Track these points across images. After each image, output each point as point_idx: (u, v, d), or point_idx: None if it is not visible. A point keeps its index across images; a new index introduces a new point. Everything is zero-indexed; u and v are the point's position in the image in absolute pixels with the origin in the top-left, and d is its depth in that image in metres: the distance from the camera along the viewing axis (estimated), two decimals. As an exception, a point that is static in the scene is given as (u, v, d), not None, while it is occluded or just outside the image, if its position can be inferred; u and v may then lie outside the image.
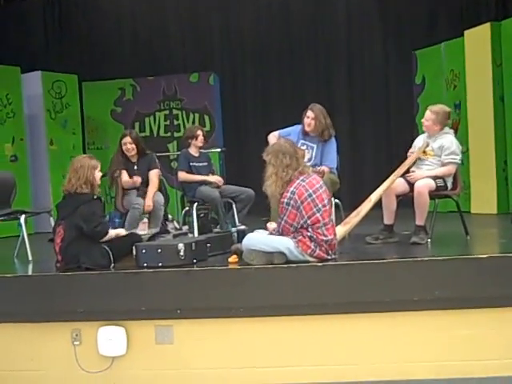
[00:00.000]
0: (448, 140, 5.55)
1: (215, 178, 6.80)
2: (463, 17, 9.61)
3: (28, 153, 9.46)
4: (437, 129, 5.60)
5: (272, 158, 4.73)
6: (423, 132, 5.89)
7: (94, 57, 10.88)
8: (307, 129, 6.14)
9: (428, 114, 5.65)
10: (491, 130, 8.20)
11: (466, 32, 8.52)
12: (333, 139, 6.25)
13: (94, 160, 5.13)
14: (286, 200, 4.61)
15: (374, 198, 5.45)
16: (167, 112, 10.42)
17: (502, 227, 6.94)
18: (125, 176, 6.31)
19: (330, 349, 4.56)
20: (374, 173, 9.38)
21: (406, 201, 5.59)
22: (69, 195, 5.02)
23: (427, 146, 5.60)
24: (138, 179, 6.30)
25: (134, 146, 6.40)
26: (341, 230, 5.28)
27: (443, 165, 5.50)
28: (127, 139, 6.40)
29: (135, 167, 6.42)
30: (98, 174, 5.08)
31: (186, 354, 4.71)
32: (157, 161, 6.58)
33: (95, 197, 5.00)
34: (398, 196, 5.55)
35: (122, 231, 5.28)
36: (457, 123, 8.80)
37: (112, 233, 5.07)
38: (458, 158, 5.51)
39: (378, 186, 5.53)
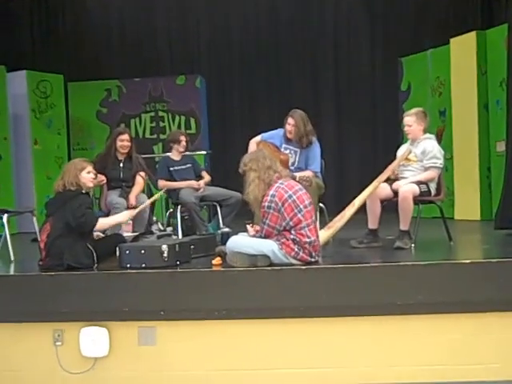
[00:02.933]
0: (430, 145, 5.59)
1: (189, 183, 6.76)
2: (449, 24, 9.67)
3: (12, 152, 9.37)
4: (421, 128, 5.64)
5: (253, 164, 4.77)
6: (407, 140, 5.93)
7: (81, 57, 10.82)
8: (288, 136, 6.18)
9: (407, 119, 5.70)
10: (475, 137, 8.26)
11: (452, 40, 8.59)
12: (316, 143, 6.27)
13: (84, 162, 5.17)
14: (266, 204, 4.63)
15: (357, 202, 5.47)
16: (153, 114, 10.38)
17: (485, 233, 6.99)
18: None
19: (312, 352, 4.56)
20: (359, 178, 9.40)
21: (390, 206, 5.62)
22: (58, 193, 5.05)
23: (410, 152, 5.64)
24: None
25: (130, 144, 6.44)
26: (324, 234, 5.30)
27: (425, 169, 5.55)
28: (126, 136, 6.47)
29: (121, 165, 6.41)
30: (87, 176, 5.08)
31: (168, 355, 4.69)
32: (143, 164, 6.57)
33: (83, 191, 5.03)
34: (382, 201, 5.57)
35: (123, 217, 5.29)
36: (441, 130, 8.87)
37: (116, 218, 5.27)
38: (439, 162, 5.54)
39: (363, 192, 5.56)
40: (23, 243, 6.88)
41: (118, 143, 6.42)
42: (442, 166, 5.59)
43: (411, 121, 5.65)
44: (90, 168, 5.13)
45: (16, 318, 4.76)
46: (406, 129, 5.72)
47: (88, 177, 5.10)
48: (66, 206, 4.91)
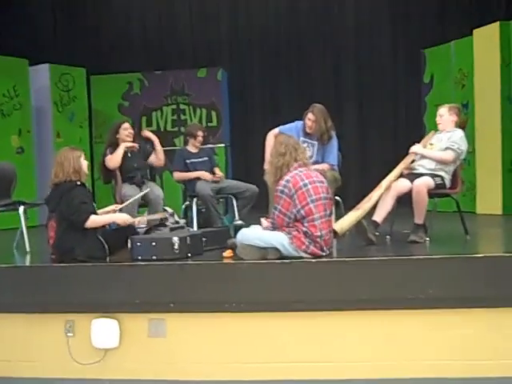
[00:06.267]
0: (457, 132, 5.64)
1: (203, 174, 6.77)
2: (473, 15, 9.52)
3: (35, 145, 9.49)
4: (453, 120, 5.72)
5: (272, 149, 4.85)
6: (429, 131, 5.93)
7: (103, 50, 10.88)
8: (308, 130, 6.16)
9: (439, 110, 5.79)
10: (498, 130, 8.12)
11: (475, 31, 8.44)
12: (334, 137, 6.23)
13: (78, 150, 5.10)
14: (280, 188, 4.62)
15: (384, 184, 5.46)
16: (174, 107, 10.42)
17: (506, 228, 6.88)
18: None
19: (322, 345, 4.54)
20: (380, 171, 9.25)
21: (406, 200, 5.54)
22: (55, 186, 4.99)
23: (434, 133, 5.79)
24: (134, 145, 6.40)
25: (133, 131, 6.52)
26: (353, 216, 5.25)
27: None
28: (127, 124, 6.50)
29: (129, 155, 6.45)
30: (84, 162, 5.05)
31: (178, 347, 4.70)
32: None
33: (78, 183, 4.95)
34: (399, 198, 5.48)
35: (126, 218, 5.09)
36: (464, 123, 8.71)
37: (112, 217, 5.08)
38: (456, 146, 5.50)
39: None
40: (43, 235, 6.91)
41: (123, 132, 6.41)
42: (459, 151, 5.51)
43: (443, 111, 5.76)
44: (83, 155, 5.09)
45: (29, 309, 4.82)
46: (437, 119, 5.78)
47: (86, 163, 5.06)
48: (61, 200, 4.86)
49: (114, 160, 6.30)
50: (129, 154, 6.42)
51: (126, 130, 6.44)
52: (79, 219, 4.84)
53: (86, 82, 10.24)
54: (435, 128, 5.90)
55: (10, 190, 6.25)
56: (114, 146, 6.42)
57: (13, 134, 9.08)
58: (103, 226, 5.06)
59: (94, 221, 4.89)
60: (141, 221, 5.81)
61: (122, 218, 5.07)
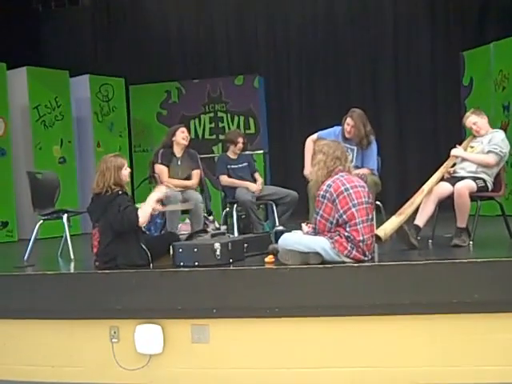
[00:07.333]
0: (498, 134, 5.56)
1: (252, 186, 6.81)
2: (512, 17, 9.41)
3: (76, 155, 9.65)
4: (485, 121, 5.64)
5: (324, 148, 4.78)
6: (470, 135, 5.86)
7: (141, 60, 11.02)
8: (347, 135, 6.14)
9: (469, 120, 5.68)
10: (541, 132, 7.99)
11: (515, 31, 8.35)
12: (373, 142, 6.21)
13: (120, 158, 5.08)
14: (322, 193, 4.60)
15: (426, 188, 5.40)
16: (212, 114, 10.49)
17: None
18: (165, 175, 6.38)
19: (364, 351, 4.50)
20: (419, 175, 9.20)
21: (448, 204, 5.48)
22: (96, 196, 5.01)
23: (473, 137, 5.68)
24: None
25: (189, 136, 6.57)
26: (395, 221, 5.22)
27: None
28: (184, 129, 6.55)
29: (179, 162, 6.48)
30: (125, 172, 5.06)
31: (221, 353, 4.72)
32: (199, 161, 6.63)
33: (120, 192, 4.96)
34: (440, 202, 5.43)
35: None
36: (506, 125, 8.61)
37: (148, 202, 5.04)
38: (499, 149, 5.42)
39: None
40: (86, 243, 7.03)
41: (180, 135, 6.46)
42: (502, 154, 5.44)
43: (474, 118, 5.65)
44: (126, 164, 5.11)
45: (74, 315, 4.89)
46: (474, 128, 5.66)
47: (126, 173, 5.08)
48: (107, 212, 4.88)
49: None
50: (179, 162, 6.47)
51: (183, 133, 6.49)
52: (131, 222, 4.84)
53: (125, 92, 10.39)
54: (474, 132, 5.81)
55: (54, 198, 6.35)
56: (168, 148, 6.48)
57: (55, 145, 9.24)
58: (149, 222, 5.08)
59: (143, 215, 4.89)
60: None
61: (157, 194, 5.10)
